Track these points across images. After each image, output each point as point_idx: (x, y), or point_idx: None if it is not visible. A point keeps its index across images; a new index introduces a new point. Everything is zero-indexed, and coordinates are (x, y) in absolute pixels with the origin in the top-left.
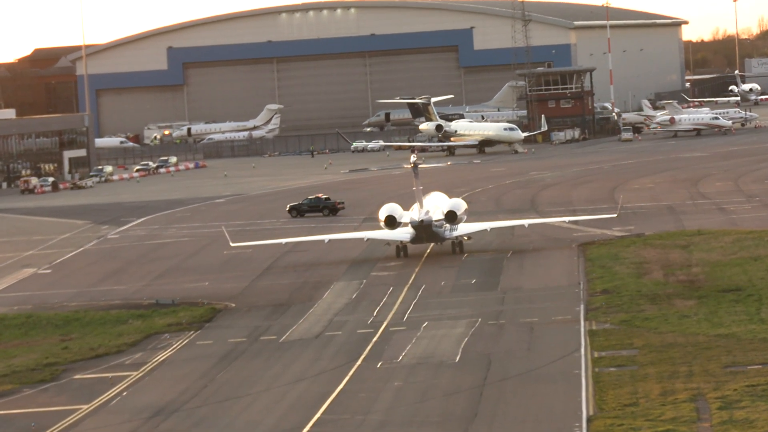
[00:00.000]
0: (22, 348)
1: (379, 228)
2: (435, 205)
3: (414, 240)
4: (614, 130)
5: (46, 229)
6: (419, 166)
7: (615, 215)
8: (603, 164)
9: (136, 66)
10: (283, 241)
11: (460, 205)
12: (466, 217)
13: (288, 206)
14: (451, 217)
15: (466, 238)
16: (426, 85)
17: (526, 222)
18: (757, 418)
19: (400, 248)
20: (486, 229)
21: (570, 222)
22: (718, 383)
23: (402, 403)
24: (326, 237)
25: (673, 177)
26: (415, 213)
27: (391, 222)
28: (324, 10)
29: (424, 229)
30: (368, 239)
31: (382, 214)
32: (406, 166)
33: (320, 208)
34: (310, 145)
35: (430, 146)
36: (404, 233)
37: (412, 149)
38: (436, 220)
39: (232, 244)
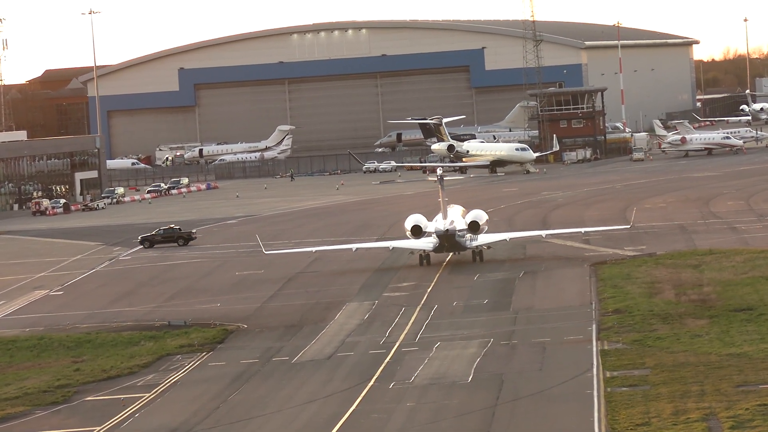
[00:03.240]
0: (34, 370)
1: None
2: (457, 215)
3: (437, 249)
4: (625, 149)
5: (58, 250)
6: (444, 178)
7: (628, 226)
8: (615, 184)
9: (148, 87)
10: (313, 249)
11: (481, 215)
12: (487, 227)
13: (140, 237)
14: (474, 227)
15: (486, 247)
16: (437, 105)
17: (544, 232)
18: None
19: (423, 257)
20: (506, 239)
21: (585, 232)
22: (730, 402)
23: (414, 423)
24: (353, 246)
25: (684, 196)
26: (439, 223)
27: (418, 231)
28: (335, 30)
29: (448, 239)
30: (393, 248)
31: (409, 223)
32: (430, 179)
33: (175, 239)
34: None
35: (442, 166)
36: (428, 242)
37: (424, 169)
38: (460, 230)
39: (265, 252)
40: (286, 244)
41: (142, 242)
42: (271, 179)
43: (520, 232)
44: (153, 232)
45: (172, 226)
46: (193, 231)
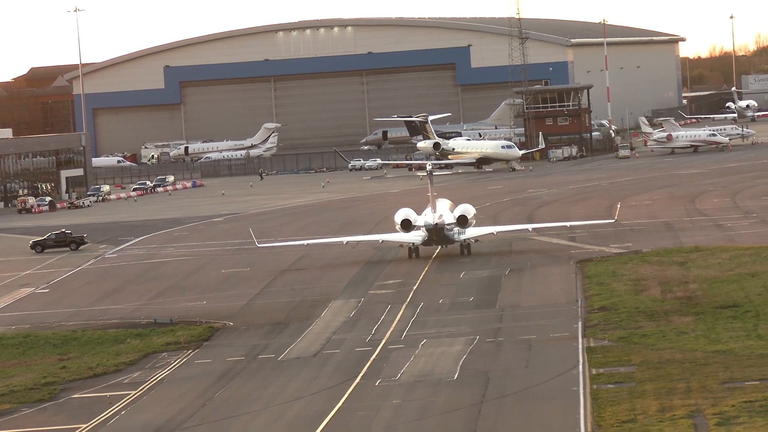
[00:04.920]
0: (20, 367)
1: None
2: (445, 210)
3: (426, 242)
4: (611, 147)
5: None
6: (434, 173)
7: (612, 220)
8: (600, 181)
9: (133, 85)
10: (305, 242)
11: (469, 209)
12: (475, 221)
13: (31, 242)
14: (463, 220)
15: (473, 240)
16: (423, 103)
17: (530, 226)
18: None
19: (412, 250)
20: (493, 233)
21: (571, 227)
22: (716, 399)
23: (400, 420)
24: (344, 239)
25: (670, 194)
26: (429, 217)
27: (407, 225)
28: (321, 28)
29: (437, 232)
30: (383, 241)
31: (399, 217)
32: (419, 174)
33: (67, 243)
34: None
35: (431, 163)
36: (416, 236)
37: (410, 167)
38: (448, 224)
39: (258, 245)
40: (274, 241)
41: (33, 246)
42: (257, 177)
43: (506, 226)
44: (45, 237)
45: (63, 230)
46: (84, 235)
